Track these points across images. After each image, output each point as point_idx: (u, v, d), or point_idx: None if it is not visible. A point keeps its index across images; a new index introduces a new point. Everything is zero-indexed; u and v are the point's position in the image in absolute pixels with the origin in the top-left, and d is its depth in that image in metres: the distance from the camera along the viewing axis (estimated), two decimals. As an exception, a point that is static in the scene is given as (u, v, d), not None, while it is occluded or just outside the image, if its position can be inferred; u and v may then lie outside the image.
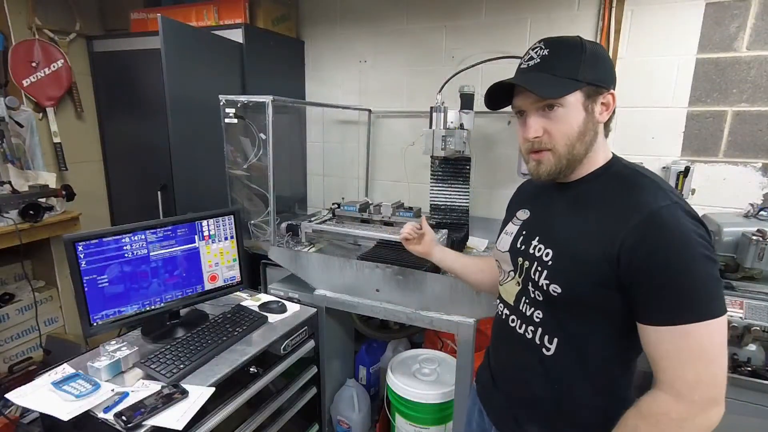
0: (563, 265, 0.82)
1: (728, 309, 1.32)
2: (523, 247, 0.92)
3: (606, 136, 0.88)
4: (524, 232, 0.94)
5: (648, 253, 0.71)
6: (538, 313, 0.88)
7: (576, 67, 0.80)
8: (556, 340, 0.85)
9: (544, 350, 0.87)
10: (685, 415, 0.70)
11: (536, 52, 0.83)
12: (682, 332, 0.69)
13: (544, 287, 0.84)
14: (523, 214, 0.98)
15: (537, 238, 0.90)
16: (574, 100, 0.81)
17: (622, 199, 0.79)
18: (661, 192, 0.76)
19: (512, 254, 0.95)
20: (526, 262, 0.90)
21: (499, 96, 0.90)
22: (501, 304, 1.00)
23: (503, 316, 0.98)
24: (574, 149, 0.83)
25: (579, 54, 0.81)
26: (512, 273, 0.95)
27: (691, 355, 0.69)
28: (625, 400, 0.81)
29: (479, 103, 1.79)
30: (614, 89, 0.84)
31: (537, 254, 0.87)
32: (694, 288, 0.69)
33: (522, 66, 0.86)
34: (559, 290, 0.82)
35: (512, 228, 0.98)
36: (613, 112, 0.86)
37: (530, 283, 0.88)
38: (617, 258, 0.74)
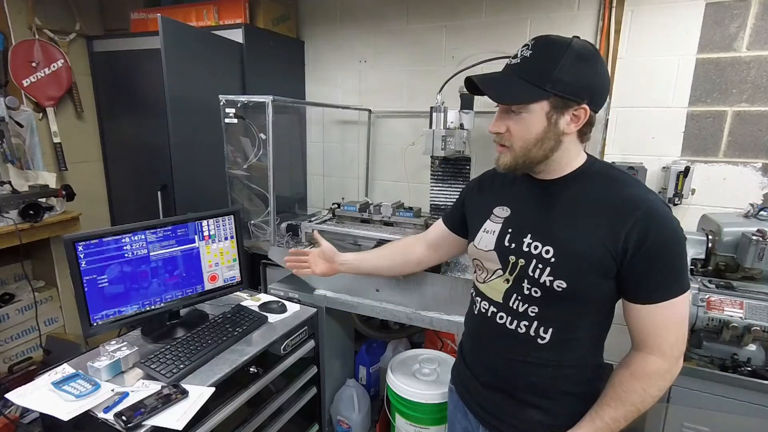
0: (568, 262, 0.84)
1: (728, 309, 1.34)
2: (513, 245, 0.92)
3: (583, 141, 0.89)
4: (510, 230, 0.93)
5: (652, 242, 0.79)
6: (533, 309, 0.89)
7: (547, 77, 0.79)
8: (551, 330, 0.89)
9: (539, 340, 0.90)
10: (668, 369, 0.85)
11: (521, 52, 0.84)
12: (670, 305, 0.81)
13: (547, 283, 0.85)
14: (502, 212, 0.97)
15: (529, 235, 0.90)
16: (539, 108, 0.83)
17: (613, 194, 0.84)
18: (639, 185, 0.86)
19: (500, 252, 0.94)
20: (521, 260, 0.90)
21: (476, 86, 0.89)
22: (484, 302, 0.99)
23: (488, 314, 0.97)
24: (530, 152, 0.86)
25: (557, 61, 0.79)
26: (499, 271, 0.94)
27: (674, 321, 0.83)
28: (601, 366, 0.96)
29: (479, 103, 1.79)
30: (591, 103, 0.83)
31: (534, 252, 0.88)
32: (681, 268, 0.82)
33: (508, 62, 0.87)
34: (564, 285, 0.84)
35: (493, 226, 0.97)
36: (590, 123, 0.86)
37: (526, 280, 0.89)
38: (623, 249, 0.81)
